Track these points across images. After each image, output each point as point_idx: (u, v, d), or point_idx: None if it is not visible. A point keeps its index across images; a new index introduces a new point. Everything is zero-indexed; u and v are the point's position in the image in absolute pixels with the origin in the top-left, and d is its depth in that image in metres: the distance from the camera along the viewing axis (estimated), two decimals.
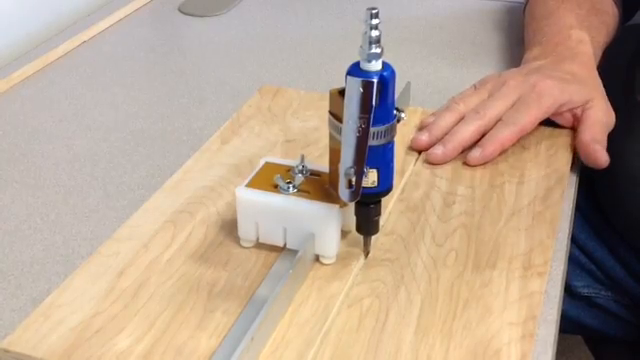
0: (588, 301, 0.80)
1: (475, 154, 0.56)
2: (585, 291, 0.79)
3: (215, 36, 0.84)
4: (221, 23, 0.87)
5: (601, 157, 0.57)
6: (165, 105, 0.69)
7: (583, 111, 0.59)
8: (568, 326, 0.81)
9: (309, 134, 0.61)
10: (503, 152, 0.57)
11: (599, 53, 0.68)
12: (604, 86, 0.70)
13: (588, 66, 0.63)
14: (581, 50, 0.65)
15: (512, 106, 0.58)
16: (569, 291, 0.79)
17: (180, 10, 0.91)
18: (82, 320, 0.42)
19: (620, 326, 0.80)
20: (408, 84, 0.65)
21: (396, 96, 0.62)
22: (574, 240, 0.78)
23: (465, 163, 0.56)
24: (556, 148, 0.59)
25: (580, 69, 0.62)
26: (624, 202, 0.73)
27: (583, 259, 0.79)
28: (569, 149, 0.59)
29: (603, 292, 0.79)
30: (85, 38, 0.82)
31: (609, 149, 0.73)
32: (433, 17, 0.87)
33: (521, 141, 0.58)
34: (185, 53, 0.81)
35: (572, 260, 0.78)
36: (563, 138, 0.60)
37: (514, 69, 0.64)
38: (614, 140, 0.72)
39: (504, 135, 0.56)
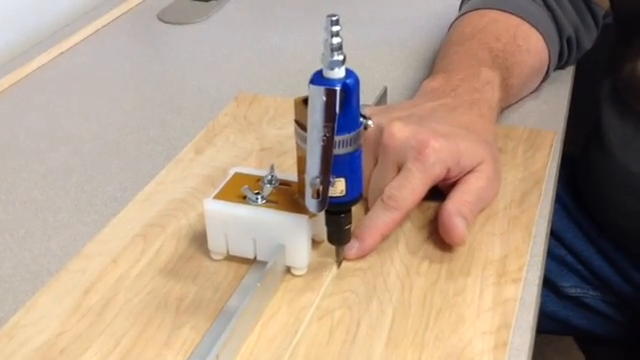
0: (576, 301, 0.79)
1: (352, 251, 0.47)
2: (573, 291, 0.79)
3: (195, 44, 0.83)
4: (201, 31, 0.87)
5: (458, 236, 0.47)
6: (141, 115, 0.69)
7: (464, 174, 0.49)
8: (558, 327, 0.81)
9: (284, 142, 0.60)
10: None
11: (508, 98, 0.61)
12: (590, 89, 0.68)
13: (486, 118, 0.54)
14: (484, 95, 0.55)
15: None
16: (557, 292, 0.79)
17: (159, 18, 0.90)
18: (47, 340, 0.41)
19: (609, 325, 0.79)
20: (385, 88, 0.64)
21: (373, 101, 0.63)
22: (561, 240, 0.77)
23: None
24: (534, 150, 0.58)
25: (475, 121, 0.52)
26: (610, 203, 0.72)
27: (570, 259, 0.78)
28: (547, 151, 0.58)
29: (591, 292, 0.79)
30: (63, 49, 0.81)
31: (597, 152, 0.72)
32: (413, 19, 0.86)
33: (498, 143, 0.57)
34: (164, 62, 0.80)
35: (559, 260, 0.78)
36: (541, 140, 0.59)
37: (402, 109, 0.53)
38: (602, 143, 0.71)
39: (385, 223, 0.47)
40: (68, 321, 0.43)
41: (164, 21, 0.89)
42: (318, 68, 0.42)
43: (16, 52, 0.81)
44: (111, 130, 0.66)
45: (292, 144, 0.59)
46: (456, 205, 0.48)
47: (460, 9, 0.71)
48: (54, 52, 0.80)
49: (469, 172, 0.49)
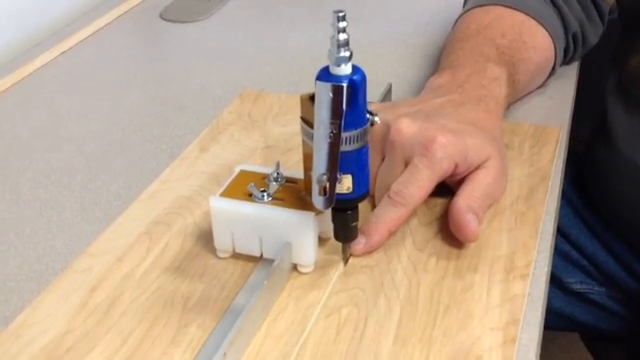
0: (582, 297, 0.79)
1: (359, 246, 0.47)
2: (578, 287, 0.79)
3: (198, 42, 0.83)
4: (204, 28, 0.86)
5: (471, 232, 0.46)
6: (144, 114, 0.68)
7: (472, 171, 0.49)
8: (563, 323, 0.81)
9: (289, 139, 0.60)
10: None
11: (514, 94, 0.60)
12: (595, 84, 0.67)
13: (493, 114, 0.54)
14: (491, 91, 0.55)
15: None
16: (562, 288, 0.78)
17: (162, 17, 0.90)
18: (53, 339, 0.41)
19: (614, 321, 0.79)
20: (389, 85, 0.64)
21: (377, 98, 0.62)
22: (565, 236, 0.77)
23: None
24: (540, 146, 0.58)
25: (483, 118, 0.52)
26: (617, 197, 0.72)
27: (575, 255, 0.78)
28: (553, 147, 0.58)
29: (596, 288, 0.78)
30: (64, 48, 0.81)
31: (603, 146, 0.72)
32: (416, 16, 0.85)
33: (504, 140, 0.57)
34: (166, 60, 0.80)
35: (564, 256, 0.77)
36: (547, 136, 0.59)
37: (409, 105, 0.53)
38: (608, 137, 0.71)
39: (392, 219, 0.47)
40: (74, 320, 0.43)
41: (166, 19, 0.89)
42: (321, 65, 0.41)
43: (18, 52, 0.81)
44: (115, 129, 0.66)
45: (297, 141, 0.59)
46: (466, 201, 0.47)
47: (464, 5, 0.71)
48: (56, 51, 0.80)
49: (477, 168, 0.49)
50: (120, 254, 0.47)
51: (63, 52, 0.80)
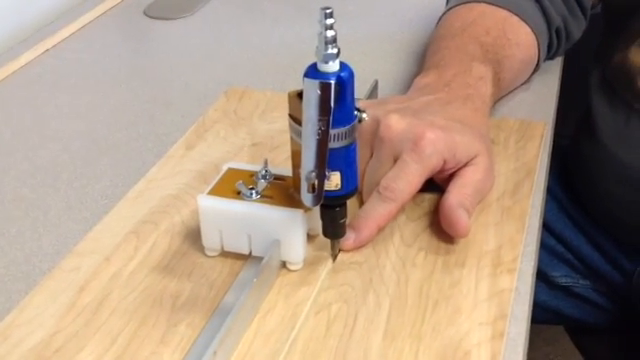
0: (567, 291, 0.80)
1: (348, 242, 0.47)
2: (563, 281, 0.79)
3: (182, 39, 0.82)
4: (188, 25, 0.86)
5: (462, 228, 0.46)
6: (130, 111, 0.68)
7: (461, 167, 0.49)
8: (549, 317, 0.82)
9: (276, 136, 0.60)
10: None
11: (500, 92, 0.61)
12: (579, 79, 0.68)
13: (480, 112, 0.54)
14: (478, 90, 0.55)
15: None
16: (547, 282, 0.79)
17: (146, 14, 0.89)
18: (42, 339, 0.41)
19: (599, 314, 0.80)
20: (375, 82, 0.64)
21: (364, 95, 0.62)
22: (550, 230, 0.78)
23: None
24: (525, 141, 0.58)
25: (470, 116, 0.52)
26: (603, 193, 0.72)
27: (560, 249, 0.79)
28: (538, 142, 0.58)
29: (581, 281, 0.79)
30: (48, 46, 0.80)
31: (588, 142, 0.72)
32: (401, 13, 0.86)
33: (490, 135, 0.58)
34: (151, 57, 0.79)
35: (549, 250, 0.78)
36: (531, 131, 0.59)
37: (397, 102, 0.53)
38: (593, 133, 0.72)
39: (381, 214, 0.47)
40: (63, 320, 0.42)
41: (150, 16, 0.89)
42: (307, 62, 0.41)
43: (1, 49, 0.80)
44: (100, 127, 0.65)
45: (283, 138, 0.59)
46: (457, 198, 0.47)
47: (447, 2, 0.71)
48: (40, 49, 0.79)
49: (465, 165, 0.49)
50: (108, 253, 0.47)
51: (47, 50, 0.80)
